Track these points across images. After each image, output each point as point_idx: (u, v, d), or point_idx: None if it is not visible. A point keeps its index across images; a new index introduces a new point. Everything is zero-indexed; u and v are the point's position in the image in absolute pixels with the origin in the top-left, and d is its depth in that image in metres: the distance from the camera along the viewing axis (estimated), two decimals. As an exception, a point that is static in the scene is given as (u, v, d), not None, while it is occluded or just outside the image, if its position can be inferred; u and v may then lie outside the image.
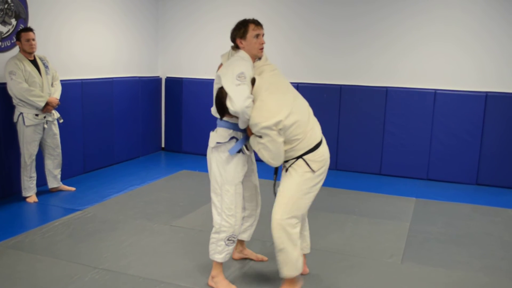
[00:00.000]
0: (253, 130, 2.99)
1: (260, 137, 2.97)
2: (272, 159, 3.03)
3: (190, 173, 6.45)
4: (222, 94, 2.99)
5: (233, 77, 2.95)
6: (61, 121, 5.26)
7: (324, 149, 3.14)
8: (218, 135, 3.17)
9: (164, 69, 7.83)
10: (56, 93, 5.11)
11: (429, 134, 6.38)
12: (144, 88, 7.35)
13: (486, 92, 6.11)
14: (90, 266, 3.56)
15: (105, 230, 4.31)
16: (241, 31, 3.12)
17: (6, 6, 5.02)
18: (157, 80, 7.72)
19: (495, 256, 3.98)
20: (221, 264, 3.29)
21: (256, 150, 3.08)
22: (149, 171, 6.54)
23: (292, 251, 3.06)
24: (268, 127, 2.90)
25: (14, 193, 5.21)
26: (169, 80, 7.75)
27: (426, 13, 6.30)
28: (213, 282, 3.29)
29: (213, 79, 3.28)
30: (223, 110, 3.03)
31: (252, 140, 3.09)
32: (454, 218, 4.91)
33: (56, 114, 5.18)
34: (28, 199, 5.06)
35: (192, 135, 7.57)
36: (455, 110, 6.23)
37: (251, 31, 3.11)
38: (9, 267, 3.52)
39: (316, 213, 4.88)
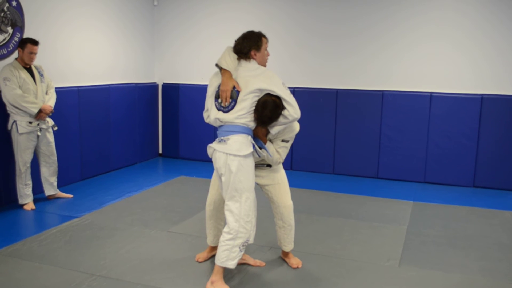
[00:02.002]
0: (289, 135, 3.47)
1: (287, 141, 3.49)
2: (277, 163, 3.54)
3: (187, 179, 6.45)
4: (276, 104, 3.17)
5: (284, 87, 3.24)
6: (55, 128, 5.26)
7: None
8: (242, 143, 3.19)
9: (160, 75, 7.85)
10: (50, 101, 5.12)
11: (426, 137, 6.40)
12: (141, 95, 7.36)
13: (482, 95, 6.14)
14: (88, 273, 3.55)
15: (103, 237, 4.30)
16: (258, 44, 3.33)
17: (2, 14, 5.03)
18: (154, 86, 7.73)
19: (492, 258, 3.99)
20: (223, 269, 3.30)
21: (272, 153, 3.45)
22: (147, 177, 6.54)
23: None
24: (297, 132, 3.55)
25: (11, 201, 5.21)
26: (166, 86, 7.76)
27: (420, 16, 6.33)
28: (212, 287, 3.29)
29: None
30: (268, 122, 3.23)
31: (269, 146, 3.43)
32: (451, 220, 4.92)
33: (50, 122, 5.18)
34: (25, 207, 5.06)
35: (190, 141, 7.58)
36: (451, 113, 6.25)
37: (264, 44, 3.37)
38: (6, 275, 3.51)
39: (314, 218, 4.89)
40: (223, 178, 3.23)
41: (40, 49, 5.36)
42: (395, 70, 6.53)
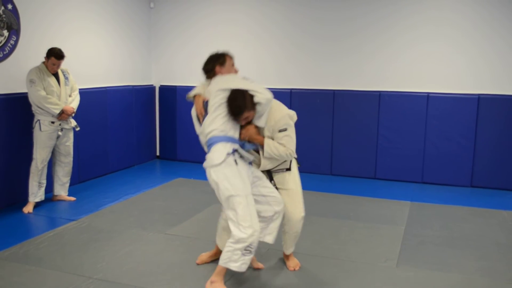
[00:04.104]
0: (283, 123, 3.37)
1: (285, 129, 3.37)
2: (289, 155, 3.40)
3: (185, 181, 6.45)
4: (235, 95, 3.20)
5: (243, 80, 3.33)
6: (78, 129, 5.45)
7: None
8: (217, 151, 3.23)
9: (157, 78, 7.84)
10: (73, 103, 5.33)
11: (423, 137, 6.40)
12: (138, 97, 7.35)
13: (479, 95, 6.14)
14: (85, 276, 3.54)
15: (100, 239, 4.29)
16: (221, 60, 3.48)
17: (-2, 17, 5.03)
18: (151, 88, 7.72)
19: (490, 258, 3.99)
20: (225, 271, 3.31)
21: (276, 147, 3.35)
22: (144, 179, 6.53)
23: None
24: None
25: (7, 205, 5.20)
26: (162, 88, 7.76)
27: (417, 15, 6.33)
28: (211, 286, 3.30)
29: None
30: (240, 110, 3.20)
31: (269, 143, 3.35)
32: (449, 220, 4.92)
33: (73, 123, 5.37)
34: (24, 208, 5.07)
35: (187, 143, 7.57)
36: (448, 113, 6.26)
37: (229, 60, 3.51)
38: (3, 279, 3.50)
39: (312, 219, 4.88)
40: (215, 192, 3.30)
41: (36, 52, 5.38)
42: (392, 71, 6.54)
